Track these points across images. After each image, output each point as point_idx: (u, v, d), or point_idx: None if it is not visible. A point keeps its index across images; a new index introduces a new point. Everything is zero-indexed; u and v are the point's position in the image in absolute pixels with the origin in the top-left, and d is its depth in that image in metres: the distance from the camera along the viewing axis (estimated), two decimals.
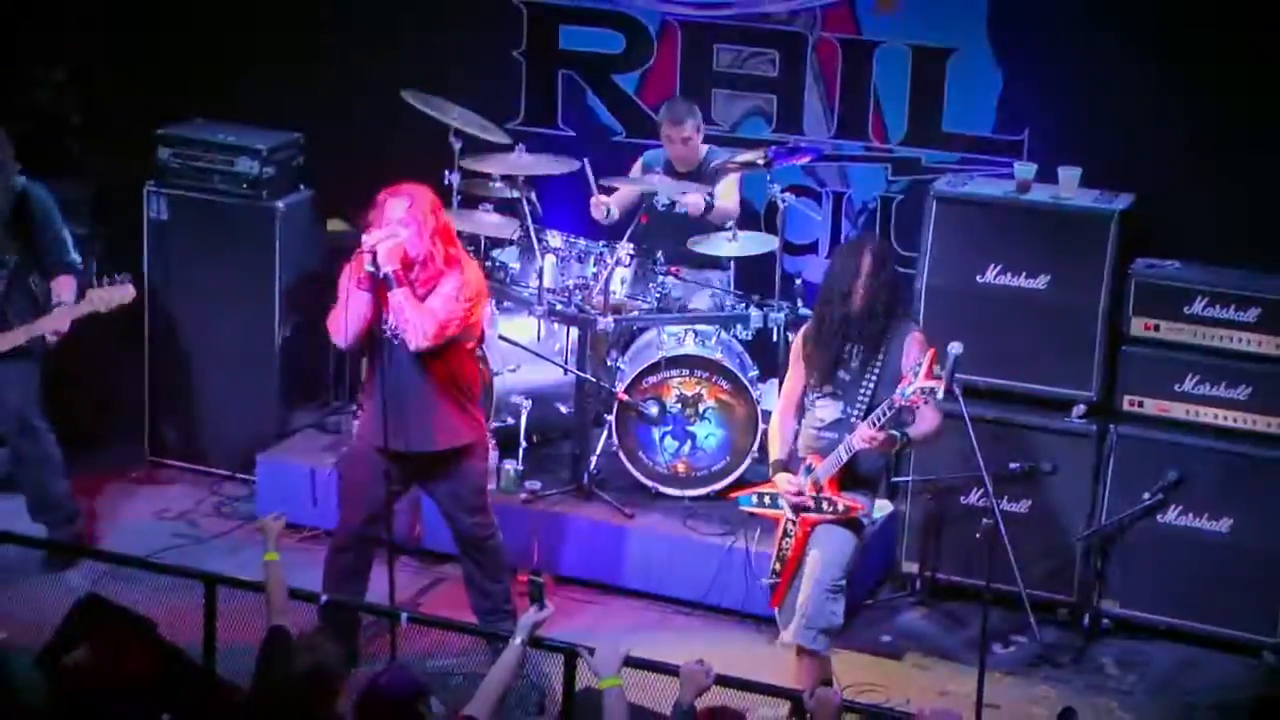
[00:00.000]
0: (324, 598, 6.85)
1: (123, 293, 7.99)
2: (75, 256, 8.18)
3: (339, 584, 7.29)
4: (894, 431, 6.83)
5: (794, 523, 7.05)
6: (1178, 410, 7.91)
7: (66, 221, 8.29)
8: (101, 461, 9.26)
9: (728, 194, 8.86)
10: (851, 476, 6.98)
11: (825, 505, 6.97)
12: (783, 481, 7.06)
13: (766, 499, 7.21)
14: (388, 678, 5.55)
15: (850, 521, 7.00)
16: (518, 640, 6.01)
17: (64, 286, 8.07)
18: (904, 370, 6.82)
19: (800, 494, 6.98)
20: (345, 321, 7.10)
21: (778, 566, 7.16)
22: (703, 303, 8.79)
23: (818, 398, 7.07)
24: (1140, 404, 7.96)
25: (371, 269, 6.99)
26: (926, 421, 6.92)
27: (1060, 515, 8.10)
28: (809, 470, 6.99)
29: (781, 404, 7.23)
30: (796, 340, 7.21)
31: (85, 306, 7.97)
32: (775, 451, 7.16)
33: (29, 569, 8.01)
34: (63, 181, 8.65)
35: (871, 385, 6.94)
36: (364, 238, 7.03)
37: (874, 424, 6.79)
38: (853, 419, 6.95)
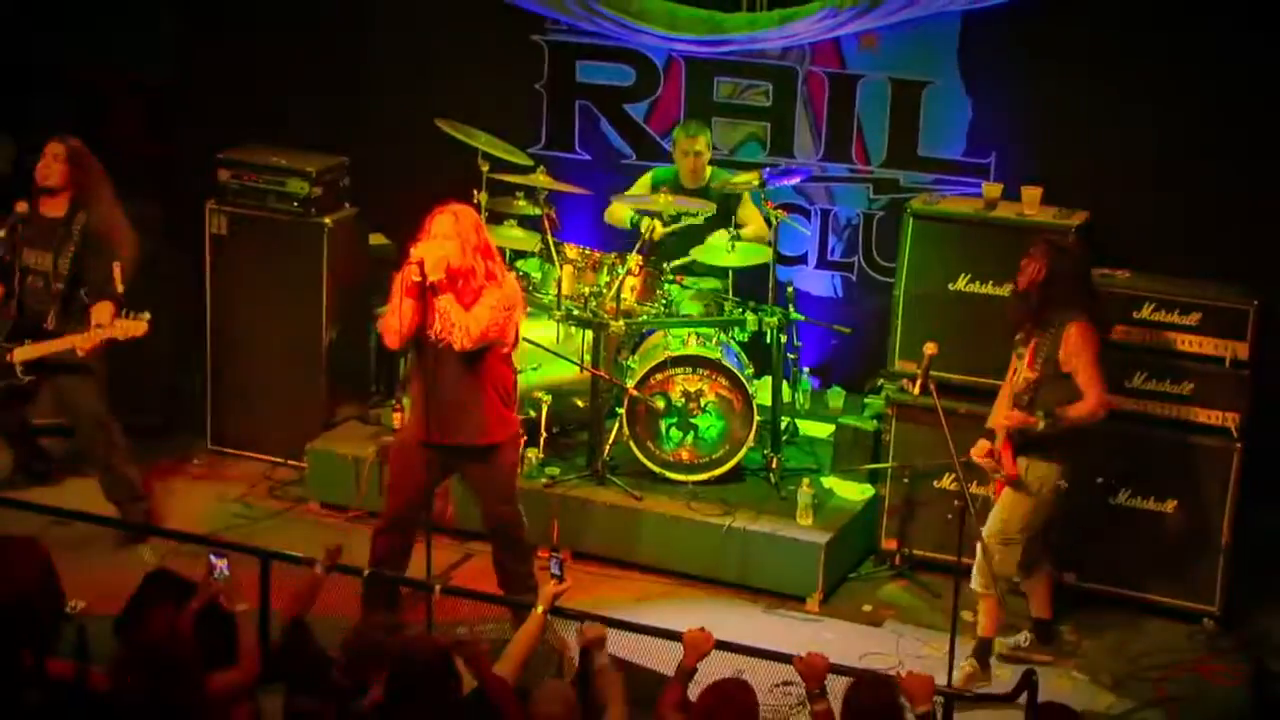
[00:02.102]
0: (367, 572, 6.90)
1: (138, 326, 7.92)
2: (120, 287, 8.12)
3: (383, 563, 7.29)
4: (1038, 413, 7.10)
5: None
6: (1129, 404, 7.92)
7: (137, 240, 8.31)
8: (169, 450, 9.31)
9: (752, 219, 8.91)
10: (1024, 443, 7.20)
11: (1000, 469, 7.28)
12: (977, 448, 7.30)
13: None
14: (417, 643, 5.59)
15: (1018, 482, 7.21)
16: (539, 609, 6.07)
17: (103, 311, 8.02)
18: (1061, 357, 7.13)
19: (986, 457, 7.25)
20: (396, 324, 7.13)
21: None
22: (702, 309, 8.83)
23: (1015, 376, 7.33)
24: None
25: (419, 278, 7.03)
26: (1082, 405, 7.12)
27: None
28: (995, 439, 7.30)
29: (1005, 384, 7.46)
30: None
31: (108, 332, 7.91)
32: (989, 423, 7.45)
33: (105, 545, 8.08)
34: (135, 201, 8.68)
35: (1038, 367, 7.17)
36: (412, 250, 7.07)
37: (1014, 407, 7.16)
38: (1023, 397, 7.22)
